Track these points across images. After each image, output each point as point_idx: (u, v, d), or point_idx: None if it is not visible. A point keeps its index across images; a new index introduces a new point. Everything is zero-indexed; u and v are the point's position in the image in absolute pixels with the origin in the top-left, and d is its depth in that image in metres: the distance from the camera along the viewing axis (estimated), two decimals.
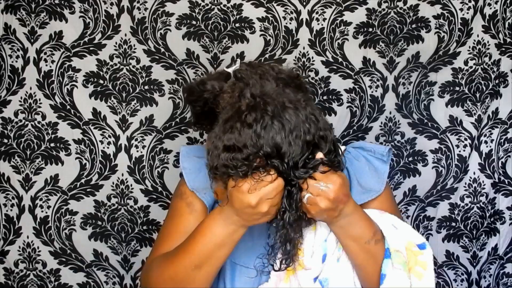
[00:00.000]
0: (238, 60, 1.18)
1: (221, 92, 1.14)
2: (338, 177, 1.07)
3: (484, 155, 1.69)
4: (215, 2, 1.59)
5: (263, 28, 1.61)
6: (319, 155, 1.06)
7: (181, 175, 1.64)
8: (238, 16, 1.60)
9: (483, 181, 1.70)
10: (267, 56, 1.61)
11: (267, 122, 1.04)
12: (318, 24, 1.61)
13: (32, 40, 1.59)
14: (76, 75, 1.61)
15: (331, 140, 1.09)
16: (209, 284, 1.15)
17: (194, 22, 1.60)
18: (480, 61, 1.65)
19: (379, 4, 1.60)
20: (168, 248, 1.20)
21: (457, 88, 1.66)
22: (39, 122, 1.63)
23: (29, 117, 1.63)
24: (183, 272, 1.13)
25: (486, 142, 1.69)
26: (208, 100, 1.15)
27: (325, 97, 1.64)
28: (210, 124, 1.14)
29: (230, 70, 1.16)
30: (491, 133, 1.69)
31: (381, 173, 1.26)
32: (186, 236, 1.19)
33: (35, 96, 1.62)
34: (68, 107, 1.62)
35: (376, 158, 1.28)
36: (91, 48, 1.60)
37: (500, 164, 1.71)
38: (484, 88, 1.66)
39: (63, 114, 1.63)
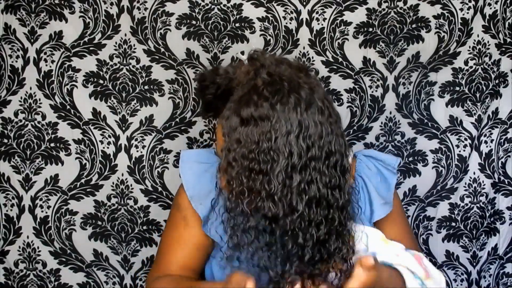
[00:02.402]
0: (253, 47, 1.19)
1: (234, 76, 1.14)
2: None
3: (484, 155, 1.69)
4: (215, 2, 1.59)
5: (263, 28, 1.60)
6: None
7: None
8: (238, 16, 1.60)
9: (483, 181, 1.70)
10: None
11: (283, 95, 1.05)
12: (318, 24, 1.61)
13: (32, 40, 1.59)
14: (76, 75, 1.61)
15: (342, 137, 1.11)
16: None
17: (194, 22, 1.60)
18: (480, 61, 1.65)
19: (379, 4, 1.60)
20: (166, 260, 1.27)
21: (457, 88, 1.66)
22: (39, 122, 1.63)
23: (29, 117, 1.63)
24: None
25: (486, 142, 1.69)
26: (220, 85, 1.15)
27: None
28: (225, 106, 1.14)
29: (243, 57, 1.17)
30: (491, 133, 1.69)
31: (389, 183, 1.27)
32: (181, 248, 1.26)
33: (35, 96, 1.62)
34: (68, 107, 1.62)
35: (386, 169, 1.28)
36: (91, 48, 1.60)
37: (500, 164, 1.71)
38: (484, 88, 1.66)
39: (63, 114, 1.63)
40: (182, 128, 1.64)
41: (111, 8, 1.59)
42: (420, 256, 1.24)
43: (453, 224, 1.72)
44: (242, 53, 1.19)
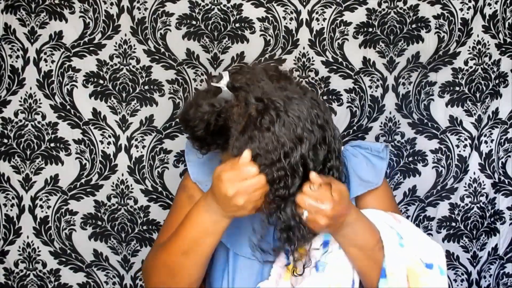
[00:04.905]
0: (226, 72, 1.17)
1: (221, 108, 1.12)
2: (335, 193, 1.07)
3: (484, 155, 1.69)
4: (215, 2, 1.60)
5: (263, 28, 1.61)
6: (312, 175, 1.06)
7: (181, 175, 1.65)
8: (238, 16, 1.60)
9: (483, 181, 1.70)
10: (267, 56, 1.61)
11: (284, 119, 1.05)
12: (318, 24, 1.61)
13: (32, 40, 1.59)
14: (76, 75, 1.61)
15: (332, 126, 1.11)
16: (200, 273, 1.17)
17: (194, 22, 1.60)
18: (480, 61, 1.65)
19: (379, 4, 1.60)
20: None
21: (457, 88, 1.66)
22: (39, 122, 1.63)
23: (29, 117, 1.63)
24: (173, 258, 1.15)
25: (486, 142, 1.69)
26: (210, 121, 1.13)
27: (325, 97, 1.64)
28: (226, 140, 1.13)
29: (219, 84, 1.14)
30: (491, 133, 1.69)
31: (378, 169, 1.28)
32: None
33: (35, 96, 1.62)
34: (68, 107, 1.62)
35: (373, 155, 1.30)
36: (91, 48, 1.60)
37: (500, 164, 1.71)
38: (484, 88, 1.66)
39: (63, 114, 1.63)
40: (182, 128, 1.64)
41: (111, 8, 1.59)
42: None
43: (453, 224, 1.72)
44: (218, 78, 1.16)
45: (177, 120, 1.63)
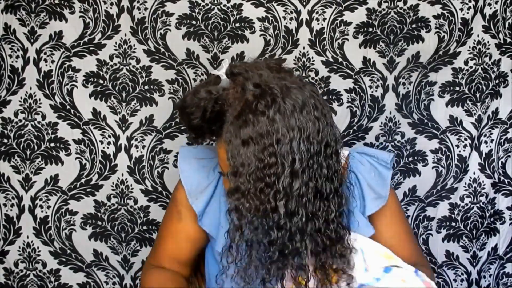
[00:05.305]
0: (226, 60, 1.17)
1: (219, 95, 1.11)
2: None
3: (484, 155, 1.69)
4: (215, 2, 1.59)
5: (263, 28, 1.61)
6: None
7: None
8: (238, 16, 1.60)
9: (483, 181, 1.70)
10: (267, 56, 1.61)
11: (279, 104, 1.04)
12: (318, 24, 1.61)
13: (32, 40, 1.59)
14: (76, 75, 1.61)
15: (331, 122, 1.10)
16: None
17: (194, 22, 1.60)
18: (480, 61, 1.65)
19: (379, 4, 1.60)
20: (160, 250, 1.32)
21: (457, 88, 1.66)
22: (39, 122, 1.63)
23: (29, 117, 1.63)
24: None
25: (486, 142, 1.69)
26: (206, 108, 1.12)
27: (325, 97, 1.64)
28: (221, 127, 1.12)
29: (219, 72, 1.14)
30: (491, 133, 1.69)
31: (384, 179, 1.28)
32: (173, 240, 1.29)
33: (35, 96, 1.62)
34: (68, 107, 1.62)
35: (379, 164, 1.29)
36: (91, 48, 1.60)
37: (500, 164, 1.71)
38: (484, 88, 1.66)
39: (63, 114, 1.63)
40: (182, 128, 1.64)
41: (111, 8, 1.59)
42: (429, 282, 1.20)
43: (453, 224, 1.72)
44: (219, 67, 1.16)
45: (177, 120, 1.63)
